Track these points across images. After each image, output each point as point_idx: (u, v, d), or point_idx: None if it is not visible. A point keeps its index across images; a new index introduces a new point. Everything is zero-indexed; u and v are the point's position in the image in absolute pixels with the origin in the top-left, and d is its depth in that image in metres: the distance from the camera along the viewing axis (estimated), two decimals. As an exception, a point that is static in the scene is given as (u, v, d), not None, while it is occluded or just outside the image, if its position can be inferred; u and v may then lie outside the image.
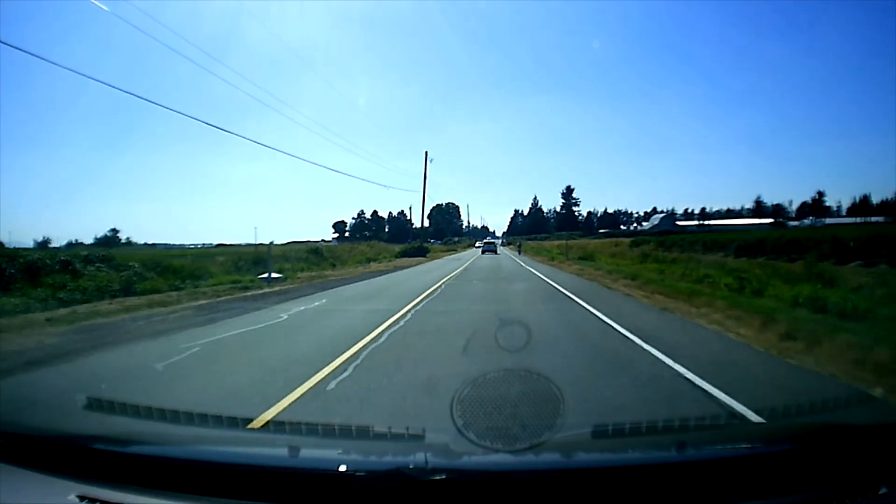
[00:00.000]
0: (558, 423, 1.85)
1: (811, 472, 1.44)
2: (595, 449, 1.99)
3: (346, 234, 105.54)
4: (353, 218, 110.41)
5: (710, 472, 1.46)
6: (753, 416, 3.48)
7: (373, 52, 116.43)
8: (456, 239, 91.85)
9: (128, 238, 40.09)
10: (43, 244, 28.28)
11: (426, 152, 44.65)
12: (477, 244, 74.97)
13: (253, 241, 35.89)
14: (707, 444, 2.00)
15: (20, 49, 11.24)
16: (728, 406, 3.77)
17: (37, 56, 19.03)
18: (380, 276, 20.15)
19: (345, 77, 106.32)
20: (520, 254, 48.85)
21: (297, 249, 31.24)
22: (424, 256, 40.35)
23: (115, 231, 42.61)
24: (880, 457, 1.50)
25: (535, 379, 3.14)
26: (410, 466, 1.37)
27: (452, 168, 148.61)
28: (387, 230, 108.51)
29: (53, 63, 24.00)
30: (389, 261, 34.11)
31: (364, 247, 43.16)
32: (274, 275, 16.99)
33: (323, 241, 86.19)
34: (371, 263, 29.90)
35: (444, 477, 1.33)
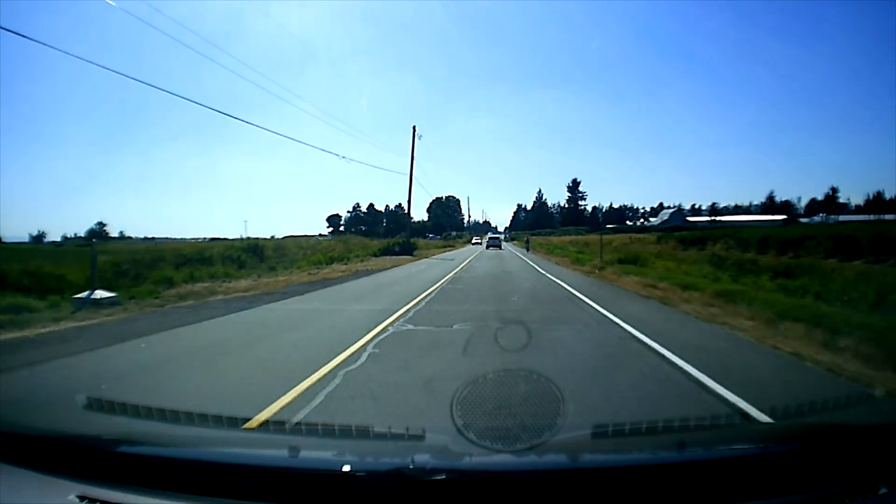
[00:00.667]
0: (558, 424, 1.78)
1: (811, 472, 1.42)
2: (595, 449, 1.93)
3: (341, 228, 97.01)
4: (349, 211, 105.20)
5: (710, 473, 1.43)
6: None
7: (374, 47, 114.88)
8: (454, 233, 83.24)
9: (121, 232, 36.38)
10: (38, 238, 27.45)
11: (414, 127, 35.05)
12: (474, 240, 64.96)
13: (243, 235, 30.38)
14: (707, 445, 1.96)
15: (22, 35, 10.71)
16: None
17: (39, 42, 13.75)
18: (311, 292, 12.50)
19: (345, 72, 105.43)
20: (528, 251, 38.77)
21: (226, 247, 21.93)
22: (411, 255, 31.13)
23: (101, 224, 37.99)
24: (880, 457, 1.47)
25: (536, 379, 2.89)
26: (410, 466, 1.34)
27: (454, 162, 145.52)
28: (384, 224, 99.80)
29: (55, 48, 17.36)
30: (361, 261, 26.62)
31: (335, 242, 33.79)
32: (101, 293, 10.26)
33: (321, 235, 78.84)
34: (332, 266, 22.91)
35: (444, 477, 1.29)
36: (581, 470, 1.52)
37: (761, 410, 3.60)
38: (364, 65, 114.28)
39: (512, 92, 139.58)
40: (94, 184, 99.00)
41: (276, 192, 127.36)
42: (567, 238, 56.93)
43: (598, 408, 3.69)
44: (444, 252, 41.81)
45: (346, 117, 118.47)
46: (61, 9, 59.79)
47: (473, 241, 66.53)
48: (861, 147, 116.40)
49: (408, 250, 33.87)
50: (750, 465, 1.47)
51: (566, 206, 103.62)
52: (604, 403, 3.78)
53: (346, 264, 23.30)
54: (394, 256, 31.11)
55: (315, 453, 1.80)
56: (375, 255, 32.10)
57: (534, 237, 57.48)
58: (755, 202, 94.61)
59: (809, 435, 1.97)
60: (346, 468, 1.38)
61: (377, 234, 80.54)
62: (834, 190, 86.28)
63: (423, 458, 1.51)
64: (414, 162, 35.22)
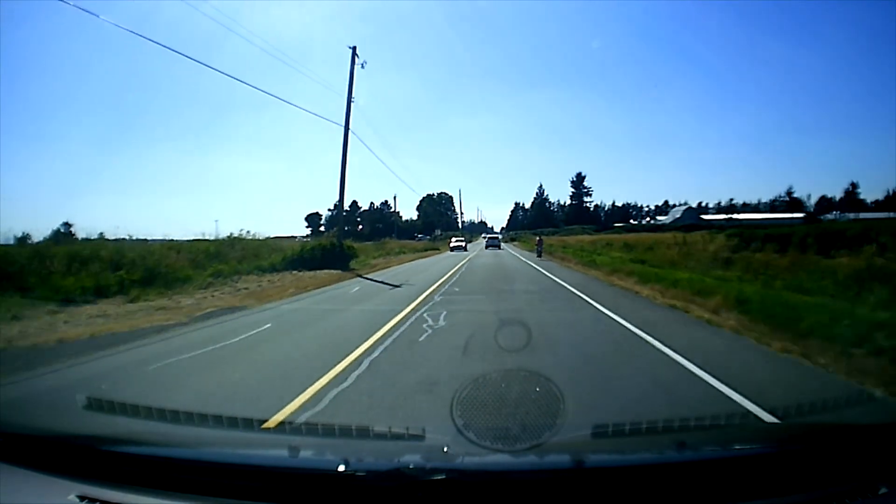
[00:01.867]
0: (558, 424, 1.70)
1: (811, 472, 1.36)
2: (595, 449, 1.83)
3: (322, 227, 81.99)
4: (329, 210, 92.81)
5: (710, 473, 1.37)
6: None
7: (371, 45, 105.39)
8: (439, 233, 66.56)
9: (101, 233, 25.77)
10: (22, 240, 18.77)
11: (353, 48, 19.24)
12: (454, 242, 44.77)
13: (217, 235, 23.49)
14: (707, 445, 1.87)
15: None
16: None
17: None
18: None
19: (342, 70, 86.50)
20: (541, 256, 26.94)
21: None
22: (345, 268, 15.47)
23: (68, 225, 30.60)
24: (880, 457, 1.41)
25: (535, 379, 2.76)
26: (410, 466, 1.30)
27: (450, 161, 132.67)
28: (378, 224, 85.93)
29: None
30: (205, 288, 13.22)
31: (207, 246, 17.75)
32: None
33: (305, 236, 66.95)
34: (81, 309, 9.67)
35: (443, 477, 1.24)
36: (581, 470, 1.46)
37: None
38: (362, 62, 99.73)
39: (509, 91, 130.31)
40: (91, 184, 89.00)
41: (265, 193, 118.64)
42: (587, 238, 41.63)
43: None
44: (415, 260, 26.01)
45: (341, 115, 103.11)
46: (61, 8, 51.96)
47: (453, 243, 43.77)
48: (872, 145, 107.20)
49: (339, 258, 17.73)
50: (750, 465, 1.40)
51: (570, 202, 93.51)
52: None
53: (132, 303, 10.76)
54: (305, 273, 17.60)
55: (315, 453, 1.73)
56: (274, 269, 18.05)
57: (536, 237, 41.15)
58: (763, 199, 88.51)
59: (809, 435, 1.91)
60: (347, 468, 1.30)
61: (362, 234, 70.96)
62: (854, 186, 79.77)
63: (423, 458, 1.50)
64: (352, 105, 19.43)
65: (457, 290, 12.05)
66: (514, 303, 9.65)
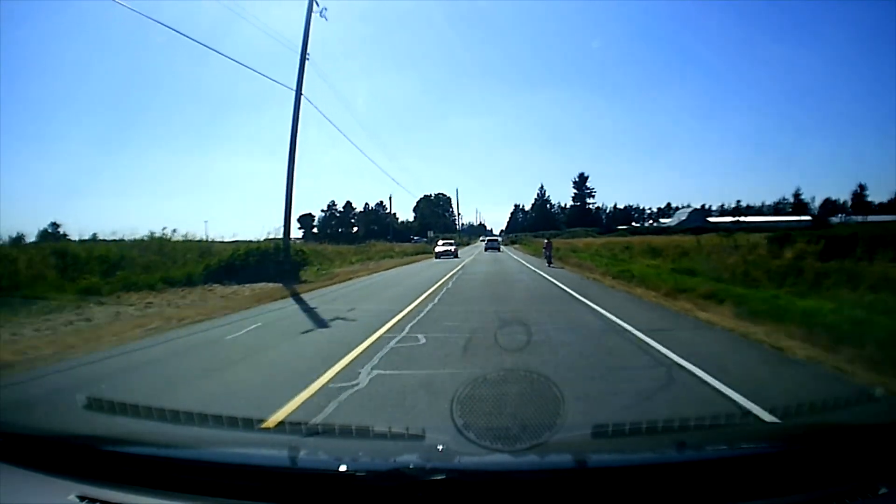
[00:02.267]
0: (558, 424, 1.65)
1: (810, 471, 1.34)
2: (595, 449, 1.80)
3: (314, 229, 77.22)
4: (323, 211, 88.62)
5: (710, 472, 1.35)
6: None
7: (369, 45, 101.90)
8: (432, 235, 61.52)
9: (94, 234, 25.22)
10: (16, 240, 18.33)
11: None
12: (440, 245, 37.88)
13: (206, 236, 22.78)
14: (707, 445, 1.84)
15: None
16: None
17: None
18: None
19: (341, 70, 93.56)
20: (550, 263, 20.73)
21: None
22: (290, 281, 13.62)
23: (56, 225, 28.98)
24: (880, 457, 1.38)
25: (535, 379, 2.72)
26: (410, 466, 1.29)
27: (449, 162, 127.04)
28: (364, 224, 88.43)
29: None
30: None
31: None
32: None
33: (297, 239, 60.88)
34: None
35: (443, 477, 1.22)
36: (581, 470, 1.44)
37: None
38: (360, 62, 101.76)
39: (509, 91, 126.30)
40: (90, 184, 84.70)
41: (263, 193, 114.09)
42: (595, 241, 36.75)
43: None
44: (395, 268, 21.67)
45: (340, 116, 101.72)
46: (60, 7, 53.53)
47: (439, 248, 34.31)
48: (875, 148, 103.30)
49: (285, 267, 12.42)
50: (749, 464, 1.36)
51: (572, 204, 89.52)
52: None
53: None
54: (227, 287, 12.86)
55: (315, 453, 1.69)
56: (189, 282, 13.90)
57: (538, 240, 35.83)
58: (767, 202, 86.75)
59: (809, 435, 1.86)
60: (347, 468, 1.29)
61: (356, 236, 68.87)
62: (862, 188, 77.72)
63: (423, 458, 1.46)
64: (307, 58, 14.34)
65: (421, 340, 6.09)
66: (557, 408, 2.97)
